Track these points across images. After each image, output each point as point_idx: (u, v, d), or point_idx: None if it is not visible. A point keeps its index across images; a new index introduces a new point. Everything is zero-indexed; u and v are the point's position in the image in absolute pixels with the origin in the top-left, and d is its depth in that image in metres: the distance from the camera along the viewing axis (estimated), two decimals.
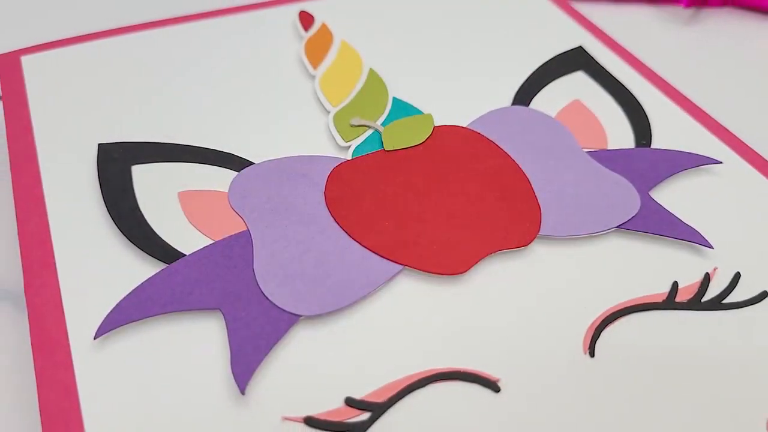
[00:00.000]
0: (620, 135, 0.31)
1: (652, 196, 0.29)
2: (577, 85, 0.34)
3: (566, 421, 0.23)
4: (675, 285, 0.26)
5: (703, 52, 0.37)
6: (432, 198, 0.28)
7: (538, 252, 0.27)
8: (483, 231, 0.27)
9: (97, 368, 0.24)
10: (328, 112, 0.32)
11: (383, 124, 0.31)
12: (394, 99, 0.32)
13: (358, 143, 0.30)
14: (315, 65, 0.34)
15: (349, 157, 0.30)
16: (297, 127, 0.31)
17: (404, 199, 0.28)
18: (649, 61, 0.36)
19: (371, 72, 0.33)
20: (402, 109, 0.31)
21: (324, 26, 0.36)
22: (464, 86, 0.34)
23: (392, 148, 0.29)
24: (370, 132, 0.31)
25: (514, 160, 0.29)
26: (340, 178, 0.28)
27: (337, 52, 0.34)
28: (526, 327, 0.25)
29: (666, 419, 0.24)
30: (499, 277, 0.27)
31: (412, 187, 0.28)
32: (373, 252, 0.26)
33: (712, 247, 0.27)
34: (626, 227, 0.28)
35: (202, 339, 0.24)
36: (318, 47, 0.35)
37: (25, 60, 0.34)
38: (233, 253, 0.26)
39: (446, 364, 0.25)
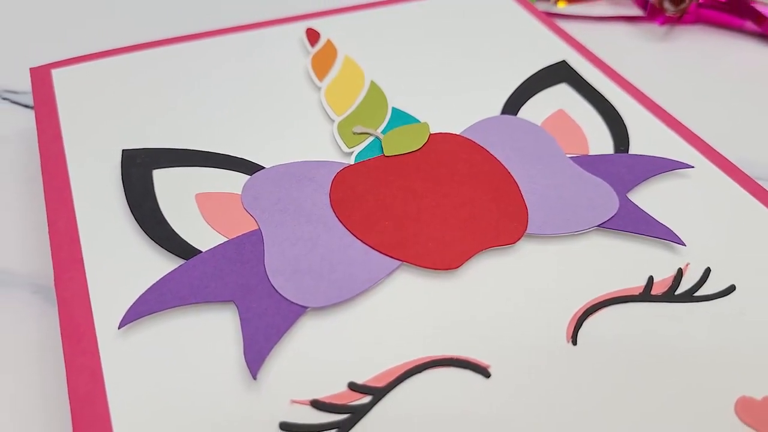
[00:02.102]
0: (600, 142, 0.31)
1: (630, 198, 0.29)
2: (560, 95, 0.34)
3: (551, 403, 0.23)
4: (650, 279, 0.26)
5: (677, 65, 0.37)
6: (428, 199, 0.28)
7: (526, 249, 0.27)
8: (475, 230, 0.27)
9: (121, 355, 0.23)
10: (333, 121, 0.32)
11: (383, 131, 0.31)
12: (394, 109, 0.32)
13: (360, 149, 0.30)
14: (320, 78, 0.34)
15: (352, 162, 0.30)
16: (304, 135, 0.31)
17: (403, 200, 0.28)
18: (627, 74, 0.36)
19: (372, 84, 0.33)
20: (401, 118, 0.31)
21: (329, 42, 0.36)
22: (458, 97, 0.34)
23: (391, 154, 0.29)
24: (371, 139, 0.31)
25: (503, 165, 0.29)
26: (344, 182, 0.28)
27: (341, 66, 0.34)
28: (515, 318, 0.25)
29: (642, 403, 0.24)
30: (489, 272, 0.27)
31: (409, 189, 0.28)
32: (374, 249, 0.26)
33: (684, 245, 0.27)
34: (606, 226, 0.27)
35: (217, 329, 0.24)
36: (323, 61, 0.35)
37: (55, 73, 0.34)
38: (245, 250, 0.26)
39: (441, 352, 0.25)
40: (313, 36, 0.37)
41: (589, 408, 0.23)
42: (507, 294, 0.26)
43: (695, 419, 0.24)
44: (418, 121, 0.32)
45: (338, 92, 0.33)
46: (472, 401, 0.23)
